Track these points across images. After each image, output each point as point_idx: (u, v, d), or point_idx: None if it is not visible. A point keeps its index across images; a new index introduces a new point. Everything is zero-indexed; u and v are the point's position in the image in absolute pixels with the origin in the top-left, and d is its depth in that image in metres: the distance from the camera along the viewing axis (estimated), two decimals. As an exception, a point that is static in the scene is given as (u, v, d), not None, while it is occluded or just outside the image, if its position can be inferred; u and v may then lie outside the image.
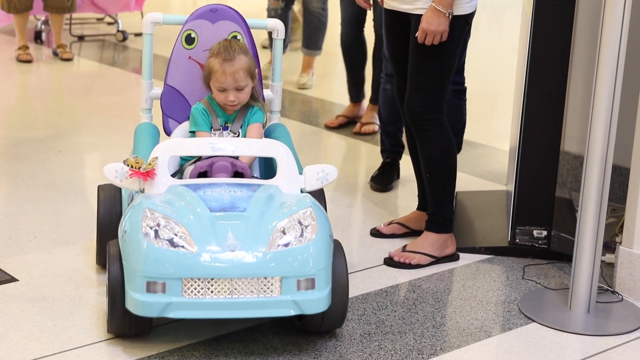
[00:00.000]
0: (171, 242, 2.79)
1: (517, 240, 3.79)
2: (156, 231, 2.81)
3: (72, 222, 3.99)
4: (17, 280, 3.42)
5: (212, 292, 2.78)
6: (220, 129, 3.33)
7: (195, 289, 2.77)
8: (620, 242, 3.51)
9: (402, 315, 3.27)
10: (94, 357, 2.91)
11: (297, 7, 6.90)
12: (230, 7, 3.47)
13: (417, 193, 3.99)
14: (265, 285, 2.80)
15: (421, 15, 3.45)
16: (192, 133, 3.34)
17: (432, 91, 3.57)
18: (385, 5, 3.67)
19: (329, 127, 5.47)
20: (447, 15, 3.41)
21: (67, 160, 4.82)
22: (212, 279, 2.77)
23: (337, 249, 2.98)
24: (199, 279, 2.77)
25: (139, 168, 2.98)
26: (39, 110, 6.00)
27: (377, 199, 4.43)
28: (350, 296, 3.23)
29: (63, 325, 3.10)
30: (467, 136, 4.73)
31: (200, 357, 2.91)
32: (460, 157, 4.00)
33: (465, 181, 4.57)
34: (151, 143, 3.33)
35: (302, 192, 3.08)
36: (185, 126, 3.43)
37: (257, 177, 3.32)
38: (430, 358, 3.00)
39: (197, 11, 3.44)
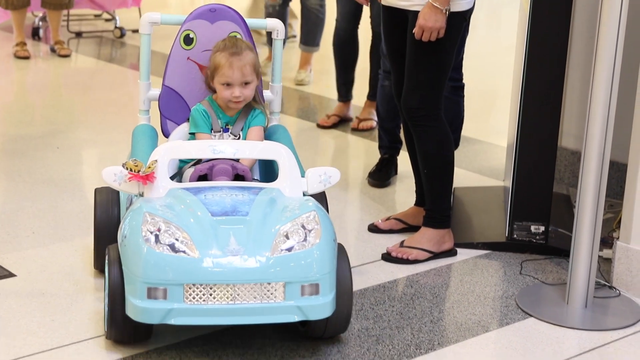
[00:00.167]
0: (172, 247, 2.73)
1: (515, 236, 3.80)
2: (157, 236, 2.75)
3: (70, 218, 3.99)
4: (15, 275, 3.43)
5: (214, 298, 2.71)
6: (220, 131, 3.28)
7: (197, 295, 2.71)
8: (618, 238, 3.52)
9: (400, 310, 3.28)
10: (92, 352, 2.91)
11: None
12: (229, 7, 3.41)
13: (414, 189, 4.00)
14: (268, 290, 2.73)
15: (418, 11, 3.46)
16: (192, 135, 3.28)
17: (429, 87, 3.58)
18: (383, 2, 3.68)
19: (323, 127, 5.45)
20: (444, 11, 3.41)
21: (65, 157, 4.82)
22: (214, 285, 2.71)
23: (341, 253, 2.92)
24: (200, 285, 2.70)
25: (139, 171, 2.92)
26: (37, 106, 6.01)
27: (375, 195, 4.44)
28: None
29: (61, 321, 3.10)
30: (464, 132, 4.75)
31: (198, 352, 2.92)
32: (458, 153, 4.01)
33: (462, 177, 4.58)
34: (149, 145, 3.27)
35: (304, 195, 3.03)
36: (183, 128, 3.37)
37: (257, 180, 3.27)
38: (428, 353, 3.00)
39: (196, 11, 3.38)
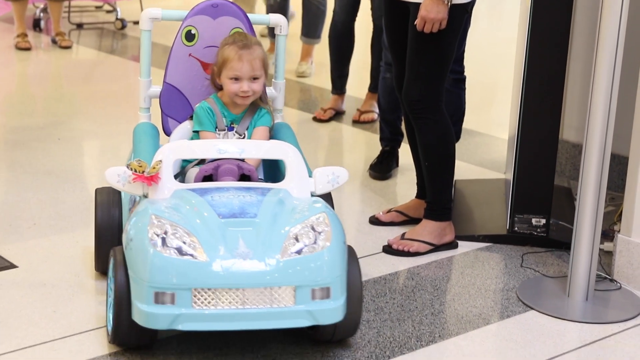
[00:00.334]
0: (179, 251, 2.65)
1: (516, 229, 3.80)
2: (163, 239, 2.67)
3: (71, 210, 3.99)
4: (17, 266, 3.43)
5: (223, 302, 2.63)
6: (225, 130, 3.20)
7: (205, 299, 2.63)
8: (619, 231, 3.52)
9: (401, 303, 3.28)
10: (94, 342, 2.92)
11: None
12: (232, 2, 3.34)
13: (416, 181, 4.00)
14: (278, 295, 2.65)
15: (420, 3, 3.45)
16: (196, 133, 3.21)
17: (431, 80, 3.57)
18: (385, -6, 3.67)
19: (320, 120, 5.44)
20: (446, 3, 3.41)
21: (66, 148, 4.83)
22: (223, 289, 2.63)
23: (351, 256, 2.84)
24: (209, 289, 2.62)
25: (143, 172, 2.84)
26: (38, 98, 6.01)
27: (376, 187, 4.44)
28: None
29: (63, 311, 3.11)
30: (466, 125, 4.74)
31: (201, 353, 2.91)
32: (459, 146, 4.01)
33: (464, 169, 4.58)
34: (152, 144, 3.19)
35: (312, 195, 2.96)
36: (185, 126, 3.30)
37: (262, 179, 3.19)
38: (429, 345, 3.01)
39: (198, 7, 3.30)
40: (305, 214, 2.79)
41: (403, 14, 3.61)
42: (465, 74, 4.52)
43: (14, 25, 7.13)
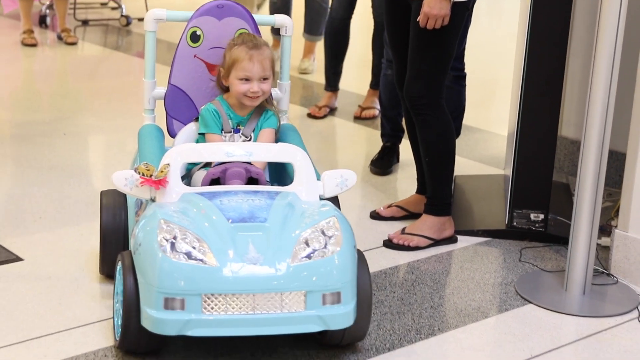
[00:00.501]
0: (189, 256, 2.59)
1: (515, 224, 3.81)
2: (172, 244, 2.61)
3: (76, 203, 4.00)
4: (23, 259, 3.44)
5: (233, 308, 2.57)
6: (231, 132, 3.13)
7: (215, 305, 2.57)
8: (616, 226, 3.53)
9: (401, 296, 3.29)
10: (99, 335, 2.92)
11: None
12: (237, 3, 3.26)
13: (416, 177, 4.00)
14: (289, 300, 2.60)
15: (422, 0, 3.45)
16: (201, 135, 3.14)
17: (432, 76, 3.58)
18: (387, -9, 3.67)
19: (315, 117, 5.43)
20: None
21: (72, 143, 4.83)
22: (233, 295, 2.57)
23: (361, 260, 2.79)
24: (220, 295, 2.57)
25: (151, 176, 2.78)
26: (44, 93, 6.01)
27: (377, 182, 4.45)
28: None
29: (68, 304, 3.11)
30: (466, 121, 4.75)
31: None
32: (459, 142, 4.01)
33: (463, 165, 4.58)
34: (157, 147, 3.14)
35: (320, 199, 2.90)
36: (190, 127, 3.22)
37: (268, 182, 3.14)
38: (428, 338, 3.02)
39: (203, 7, 3.22)
40: (315, 218, 2.73)
41: (404, 11, 3.61)
42: (465, 71, 4.53)
43: (20, 22, 7.13)
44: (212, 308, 2.58)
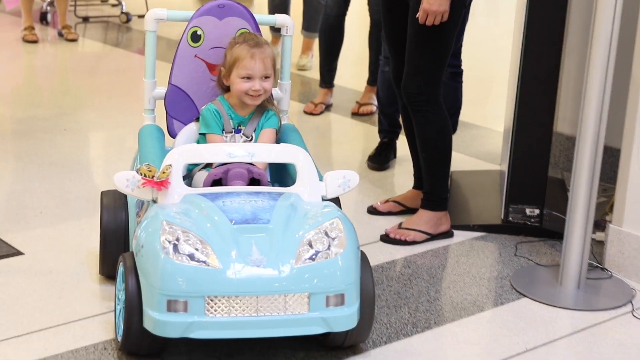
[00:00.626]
0: (192, 258, 2.55)
1: (510, 219, 3.81)
2: (175, 245, 2.57)
3: (77, 199, 4.00)
4: (23, 254, 3.44)
5: (236, 310, 2.54)
6: (232, 132, 3.09)
7: (219, 307, 2.54)
8: (611, 221, 3.53)
9: (398, 290, 3.29)
10: (98, 328, 2.93)
11: None
12: (238, 3, 3.21)
13: (413, 172, 4.00)
14: (292, 302, 2.56)
15: (420, -2, 3.45)
16: (202, 135, 3.09)
17: (430, 72, 3.58)
18: (384, -12, 3.67)
19: (311, 114, 5.42)
20: None
21: (72, 139, 4.83)
22: (236, 297, 2.53)
23: (364, 261, 2.75)
24: (223, 297, 2.53)
25: (152, 177, 2.74)
26: (45, 89, 6.01)
27: (374, 178, 4.44)
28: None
29: (68, 298, 3.11)
30: (462, 117, 4.75)
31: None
32: (455, 138, 4.01)
33: (460, 161, 4.58)
34: (158, 147, 3.10)
35: (323, 199, 2.86)
36: (191, 127, 3.17)
37: (269, 182, 3.09)
38: (425, 331, 3.02)
39: (204, 7, 3.16)
40: (319, 219, 2.69)
41: (401, 8, 3.61)
42: (462, 67, 4.53)
43: (21, 19, 7.13)
44: (215, 310, 2.54)
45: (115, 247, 3.07)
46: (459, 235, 3.79)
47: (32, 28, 7.05)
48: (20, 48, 6.91)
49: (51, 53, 7.00)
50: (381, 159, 4.58)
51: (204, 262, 2.55)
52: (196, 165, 3.08)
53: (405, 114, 3.80)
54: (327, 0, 5.41)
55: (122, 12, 7.93)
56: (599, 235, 3.67)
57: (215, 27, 3.18)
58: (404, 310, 3.14)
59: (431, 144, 3.67)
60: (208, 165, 3.04)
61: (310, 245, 2.62)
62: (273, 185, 3.06)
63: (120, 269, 2.74)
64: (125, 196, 3.13)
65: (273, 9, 6.30)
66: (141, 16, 7.74)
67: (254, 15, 3.23)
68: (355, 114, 5.41)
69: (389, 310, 3.13)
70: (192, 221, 2.64)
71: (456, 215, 3.88)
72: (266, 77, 3.04)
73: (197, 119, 3.17)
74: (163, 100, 3.25)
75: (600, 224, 3.74)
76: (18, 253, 3.44)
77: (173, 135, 3.23)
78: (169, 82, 3.23)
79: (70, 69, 6.64)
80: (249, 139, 3.10)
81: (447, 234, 3.76)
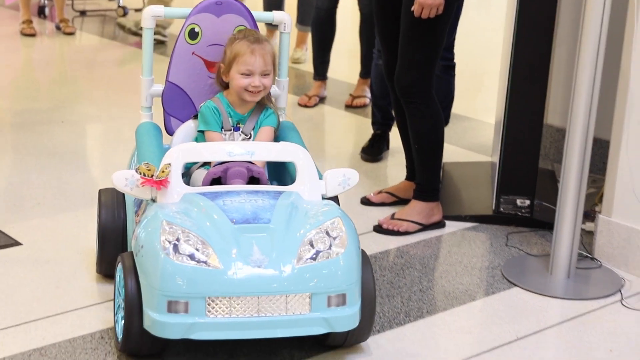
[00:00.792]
0: (193, 258, 2.49)
1: (501, 209, 3.81)
2: (175, 245, 2.51)
3: (74, 190, 3.99)
4: (21, 244, 3.43)
5: (237, 311, 2.48)
6: (231, 130, 3.02)
7: (220, 308, 2.48)
8: (600, 211, 3.53)
9: (391, 280, 3.29)
10: (95, 318, 2.92)
11: None
12: (235, 0, 3.15)
13: (405, 164, 4.00)
14: (294, 302, 2.51)
15: (413, -9, 3.44)
16: (201, 132, 3.02)
17: (423, 66, 3.56)
18: (376, -17, 3.66)
19: (306, 106, 5.41)
20: None
21: (69, 131, 4.81)
22: (237, 297, 2.47)
23: (364, 260, 2.70)
24: (224, 298, 2.47)
25: (152, 176, 2.67)
26: (42, 82, 5.99)
27: (368, 169, 4.44)
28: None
29: (65, 288, 3.11)
30: (454, 110, 4.75)
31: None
32: (447, 130, 4.01)
33: (452, 152, 4.58)
34: (156, 145, 3.02)
35: (323, 198, 2.80)
36: (188, 125, 3.10)
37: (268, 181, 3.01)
38: (417, 320, 3.02)
39: (201, 4, 3.10)
40: (320, 218, 2.63)
41: (393, 3, 3.59)
42: (455, 61, 4.52)
43: (20, 12, 7.10)
44: (217, 311, 2.49)
45: (113, 246, 3.01)
46: (451, 226, 3.78)
47: (30, 22, 7.03)
48: (18, 41, 6.88)
49: (49, 46, 6.98)
50: (374, 150, 4.58)
51: (205, 262, 2.49)
52: (194, 163, 3.01)
53: (397, 106, 3.79)
54: None
55: (118, 6, 7.89)
56: (589, 226, 3.67)
57: (213, 24, 3.13)
58: (397, 300, 3.14)
59: (424, 136, 3.67)
60: (206, 163, 2.98)
61: (311, 244, 2.57)
62: (271, 184, 3.01)
63: (119, 269, 2.68)
64: (123, 194, 3.06)
65: (268, 5, 6.28)
66: (138, 10, 7.71)
67: (252, 12, 3.18)
68: (349, 107, 5.41)
69: (382, 299, 3.12)
70: (192, 221, 2.58)
71: (448, 206, 3.87)
72: (266, 74, 2.98)
73: (195, 117, 3.11)
74: (160, 98, 3.19)
75: (589, 215, 3.74)
76: (16, 243, 3.43)
77: (170, 132, 3.17)
78: (167, 80, 3.17)
79: (67, 62, 6.62)
80: (248, 137, 3.04)
81: (439, 225, 3.76)
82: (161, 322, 2.49)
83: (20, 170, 4.21)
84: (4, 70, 6.09)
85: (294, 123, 3.23)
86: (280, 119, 3.20)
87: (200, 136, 3.04)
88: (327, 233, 2.60)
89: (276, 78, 3.29)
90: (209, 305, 2.48)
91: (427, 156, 3.70)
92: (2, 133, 4.74)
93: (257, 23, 3.20)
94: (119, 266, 2.68)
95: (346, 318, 2.57)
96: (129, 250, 2.90)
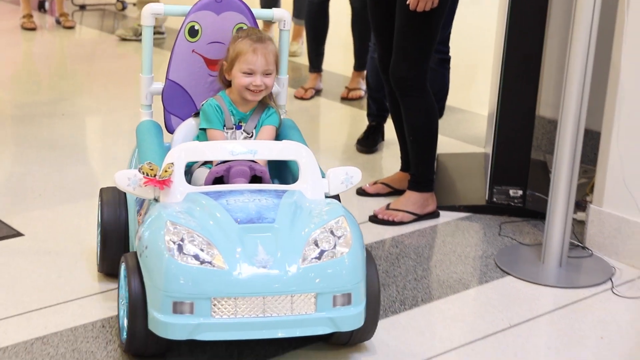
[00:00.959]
0: (197, 259, 2.43)
1: (494, 199, 3.81)
2: (180, 246, 2.45)
3: (75, 182, 3.98)
4: (23, 235, 3.42)
5: (243, 311, 2.43)
6: (233, 128, 2.96)
7: (225, 308, 2.43)
8: (591, 201, 3.53)
9: (386, 269, 3.29)
10: (96, 307, 2.92)
11: None
12: None
13: (400, 155, 4.00)
14: (299, 302, 2.46)
15: (408, -15, 3.43)
16: (202, 130, 2.96)
17: (418, 58, 3.56)
18: (370, -23, 3.65)
19: (302, 99, 5.40)
20: None
21: (70, 123, 4.81)
22: (243, 298, 2.42)
23: (369, 259, 2.65)
24: (229, 298, 2.42)
25: (155, 175, 2.60)
26: (43, 75, 5.98)
27: (363, 160, 4.44)
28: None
29: (66, 278, 3.11)
30: (448, 102, 4.74)
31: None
32: (441, 122, 4.01)
33: (446, 144, 4.58)
34: (157, 143, 2.96)
35: (325, 196, 2.74)
36: (189, 123, 3.03)
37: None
38: (412, 308, 3.02)
39: (201, 2, 3.04)
40: (324, 217, 2.58)
41: (387, -1, 3.59)
42: (450, 54, 4.51)
43: (20, 7, 7.08)
44: (222, 312, 2.44)
45: (115, 245, 2.97)
46: (445, 216, 3.78)
47: (31, 16, 7.01)
48: (19, 35, 6.87)
49: (49, 40, 6.96)
50: (369, 142, 4.57)
51: (210, 262, 2.44)
52: (195, 161, 2.94)
53: (392, 99, 3.79)
54: None
55: (117, 1, 7.88)
56: (580, 215, 3.68)
57: (213, 21, 3.07)
58: (392, 288, 3.14)
59: (418, 128, 3.66)
60: (208, 162, 2.92)
61: (316, 244, 2.52)
62: (272, 182, 2.93)
63: (123, 270, 2.63)
64: (125, 193, 2.96)
65: (265, 3, 6.25)
66: (135, 4, 7.70)
67: (252, 9, 3.13)
68: (345, 99, 5.40)
69: (377, 288, 3.12)
70: (196, 221, 2.53)
71: (442, 197, 3.88)
72: (267, 73, 2.93)
73: (195, 115, 3.05)
74: (160, 96, 3.12)
75: (581, 205, 3.74)
76: (18, 234, 3.43)
77: (171, 130, 3.12)
78: (167, 78, 3.11)
79: (67, 56, 6.61)
80: (250, 136, 2.99)
81: (434, 215, 3.76)
82: (166, 323, 2.44)
83: (21, 162, 4.21)
84: (5, 64, 6.08)
85: (293, 120, 3.17)
86: (282, 117, 3.15)
87: (202, 134, 2.99)
88: (332, 232, 2.55)
89: (276, 75, 3.22)
90: (214, 305, 2.43)
91: (421, 148, 3.70)
92: (3, 125, 4.73)
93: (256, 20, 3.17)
94: (123, 266, 2.63)
95: (352, 317, 2.53)
96: (131, 249, 2.89)
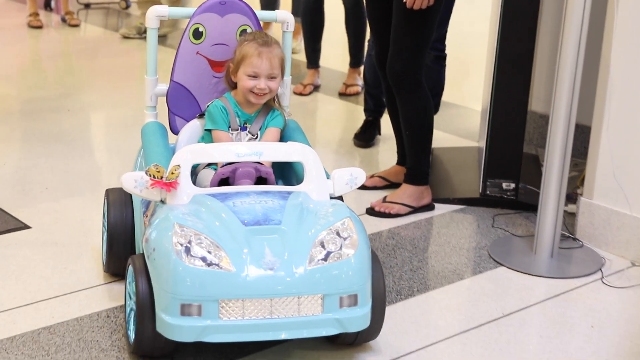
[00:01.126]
0: (205, 261, 2.39)
1: (488, 192, 3.80)
2: (187, 248, 2.40)
3: (80, 175, 3.98)
4: (30, 227, 3.42)
5: (250, 313, 2.39)
6: (238, 129, 2.90)
7: (233, 310, 2.39)
8: (582, 194, 3.53)
9: (382, 260, 3.29)
10: (102, 297, 2.92)
11: None
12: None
13: (396, 149, 3.99)
14: (306, 303, 2.42)
15: (404, -16, 3.42)
16: (207, 131, 2.91)
17: (414, 54, 3.55)
18: (367, -25, 3.64)
19: (301, 95, 5.39)
20: None
21: (75, 118, 4.80)
22: (250, 300, 2.38)
23: (374, 260, 2.60)
24: (237, 300, 2.38)
25: (161, 177, 2.55)
26: (49, 72, 5.97)
27: (360, 155, 4.43)
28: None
29: (72, 268, 3.10)
30: (443, 98, 4.73)
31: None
32: (436, 117, 4.01)
33: (441, 138, 4.57)
34: (162, 145, 2.90)
35: (330, 197, 2.69)
36: (194, 124, 2.98)
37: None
38: (408, 298, 3.02)
39: (205, 4, 2.98)
40: (330, 219, 2.53)
41: (383, -2, 3.58)
42: (446, 52, 4.50)
43: (27, 5, 7.07)
44: (230, 314, 2.39)
45: (122, 246, 2.92)
46: (440, 208, 3.78)
47: (37, 14, 7.00)
48: (25, 33, 6.86)
49: (55, 38, 6.95)
50: (366, 136, 4.57)
51: (217, 265, 2.39)
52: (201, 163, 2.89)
53: (389, 95, 3.78)
54: None
55: (121, -1, 7.87)
56: (571, 208, 3.68)
57: (217, 24, 3.02)
58: (389, 279, 3.14)
59: (414, 122, 3.66)
60: (213, 163, 2.88)
61: (322, 245, 2.47)
62: (277, 183, 2.89)
63: (130, 272, 2.58)
64: (130, 194, 2.91)
65: (265, 2, 6.22)
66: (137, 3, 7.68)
67: (255, 12, 3.08)
68: (342, 94, 5.39)
69: (374, 278, 3.12)
70: (203, 223, 2.48)
71: (437, 189, 3.87)
72: (272, 77, 2.87)
73: (200, 116, 3.01)
74: (165, 97, 3.06)
75: (572, 197, 3.74)
76: (25, 227, 3.42)
77: (175, 132, 3.06)
78: (171, 79, 3.05)
79: (72, 53, 6.60)
80: (255, 137, 2.93)
81: (429, 207, 3.76)
82: (174, 325, 2.39)
83: (28, 156, 4.20)
84: (13, 61, 6.07)
85: (296, 122, 3.12)
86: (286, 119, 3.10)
87: (207, 135, 2.93)
88: (338, 234, 2.51)
89: None
90: (221, 307, 2.39)
91: (417, 142, 3.69)
92: (11, 120, 4.73)
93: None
94: (130, 268, 2.59)
95: (358, 318, 2.49)
96: (137, 251, 2.87)
